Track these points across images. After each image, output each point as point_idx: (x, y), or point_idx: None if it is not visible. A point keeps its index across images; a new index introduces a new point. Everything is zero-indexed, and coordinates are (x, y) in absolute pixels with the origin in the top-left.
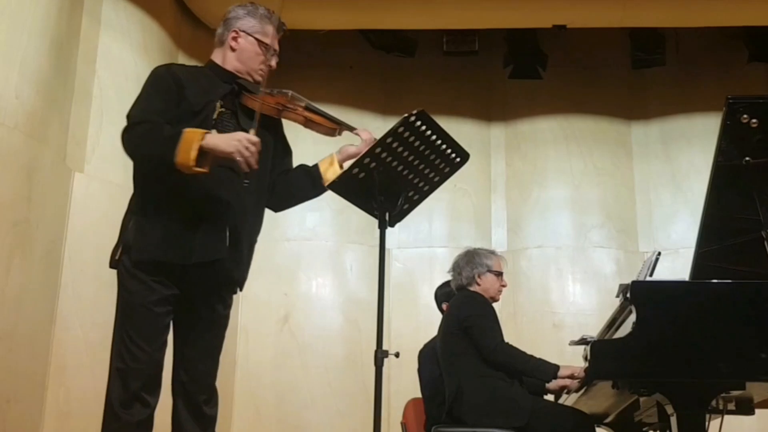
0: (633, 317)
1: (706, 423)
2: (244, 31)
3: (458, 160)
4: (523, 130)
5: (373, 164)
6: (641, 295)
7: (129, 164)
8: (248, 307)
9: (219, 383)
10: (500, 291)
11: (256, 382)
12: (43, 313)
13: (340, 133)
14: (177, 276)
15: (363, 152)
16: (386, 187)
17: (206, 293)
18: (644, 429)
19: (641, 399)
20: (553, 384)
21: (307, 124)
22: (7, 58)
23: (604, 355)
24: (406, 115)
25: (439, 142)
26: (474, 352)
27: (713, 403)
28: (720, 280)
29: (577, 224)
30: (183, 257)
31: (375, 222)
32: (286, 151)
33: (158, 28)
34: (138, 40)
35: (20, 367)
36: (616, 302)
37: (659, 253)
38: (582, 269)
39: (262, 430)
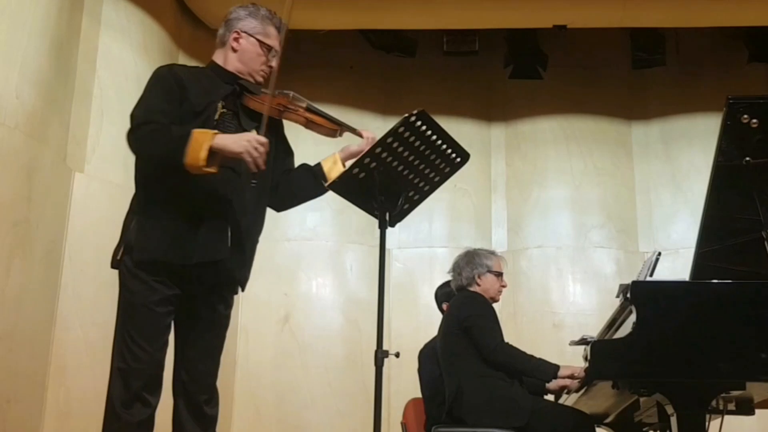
0: (633, 317)
1: (706, 423)
2: (245, 32)
3: (458, 160)
4: (523, 130)
5: (374, 164)
6: (641, 295)
7: (129, 164)
8: (248, 307)
9: (219, 383)
10: (500, 291)
11: (256, 382)
12: (43, 313)
13: (341, 134)
14: (178, 276)
15: (365, 151)
16: (386, 187)
17: (208, 293)
18: (644, 429)
19: (641, 399)
20: (553, 384)
21: (308, 125)
22: (8, 58)
23: (605, 355)
24: (406, 115)
25: (439, 142)
26: (474, 352)
27: (713, 403)
28: (720, 281)
29: (578, 224)
30: (185, 257)
31: (375, 222)
32: (288, 151)
33: (158, 28)
34: (138, 40)
35: (20, 367)
36: (616, 302)
37: (659, 254)
38: (582, 269)
39: (262, 430)
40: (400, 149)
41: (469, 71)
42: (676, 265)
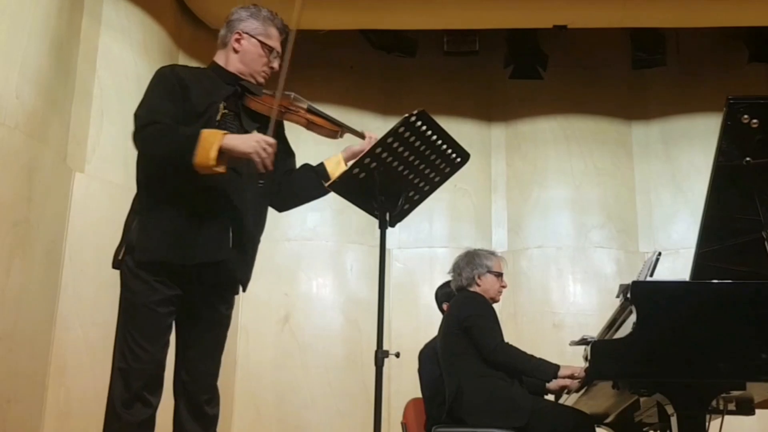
0: (633, 317)
1: (707, 423)
2: (247, 33)
3: (459, 160)
4: (523, 130)
5: (374, 164)
6: (641, 295)
7: (129, 164)
8: (248, 307)
9: (219, 383)
10: (500, 292)
11: (257, 382)
12: (43, 313)
13: (341, 135)
14: (180, 276)
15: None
16: (387, 187)
17: (209, 293)
18: (644, 429)
19: (641, 399)
20: (553, 384)
21: (309, 126)
22: (8, 58)
23: (605, 355)
24: (406, 115)
25: (439, 142)
26: (474, 352)
27: (713, 403)
28: (720, 281)
29: (578, 224)
30: (186, 258)
31: (375, 222)
32: (289, 152)
33: (158, 28)
34: (138, 40)
35: (20, 367)
36: (617, 302)
37: (659, 254)
38: (582, 269)
39: (262, 430)
40: (401, 149)
41: (469, 71)
42: (677, 265)
